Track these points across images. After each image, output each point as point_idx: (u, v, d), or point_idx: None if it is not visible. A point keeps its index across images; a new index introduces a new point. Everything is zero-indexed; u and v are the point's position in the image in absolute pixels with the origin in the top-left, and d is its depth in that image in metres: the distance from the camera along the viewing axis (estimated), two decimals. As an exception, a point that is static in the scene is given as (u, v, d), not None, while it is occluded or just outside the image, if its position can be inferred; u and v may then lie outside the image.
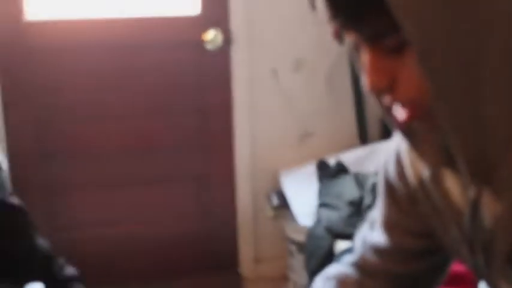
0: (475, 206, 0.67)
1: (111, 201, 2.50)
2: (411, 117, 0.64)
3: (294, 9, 2.41)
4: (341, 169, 2.29)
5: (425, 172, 0.76)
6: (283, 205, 2.34)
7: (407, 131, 0.69)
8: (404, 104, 0.63)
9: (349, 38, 0.65)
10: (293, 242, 2.24)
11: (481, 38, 0.57)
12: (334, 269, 0.93)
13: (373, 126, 2.53)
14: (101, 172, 2.46)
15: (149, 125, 2.47)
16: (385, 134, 2.47)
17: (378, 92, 0.64)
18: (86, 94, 2.39)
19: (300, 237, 2.15)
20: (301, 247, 2.16)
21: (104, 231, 2.52)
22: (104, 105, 2.41)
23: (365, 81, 0.64)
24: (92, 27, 2.36)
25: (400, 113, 0.64)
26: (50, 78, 2.35)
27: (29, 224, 1.53)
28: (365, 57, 0.64)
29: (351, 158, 2.33)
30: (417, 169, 0.78)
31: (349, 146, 2.48)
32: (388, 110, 0.67)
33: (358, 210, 2.07)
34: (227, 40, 2.41)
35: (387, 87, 0.63)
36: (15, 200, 1.53)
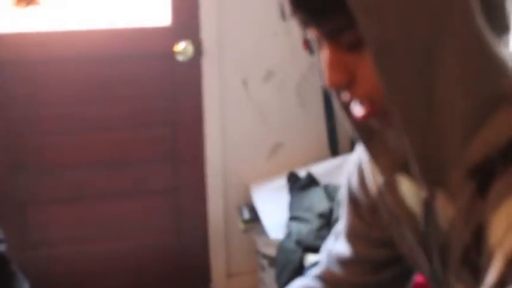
0: (429, 208, 0.67)
1: (80, 216, 2.46)
2: (368, 114, 0.64)
3: (264, 20, 2.42)
4: (311, 181, 2.29)
5: (381, 179, 0.77)
6: (254, 219, 2.33)
7: (364, 131, 0.70)
8: (362, 101, 0.64)
9: (311, 35, 0.66)
10: (264, 256, 2.23)
11: (436, 38, 0.57)
12: (299, 282, 0.93)
13: (343, 138, 2.53)
14: (67, 186, 2.43)
15: (120, 137, 2.44)
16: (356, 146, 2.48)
17: (337, 88, 0.65)
18: (57, 106, 2.36)
19: (271, 251, 2.14)
20: (272, 261, 2.15)
21: (73, 247, 2.48)
22: (74, 117, 2.39)
23: (324, 77, 0.64)
24: (63, 39, 2.34)
25: (357, 110, 0.65)
26: (20, 91, 2.33)
27: (13, 275, 1.43)
28: (325, 54, 0.64)
29: (322, 169, 2.33)
30: (376, 177, 0.79)
31: (320, 158, 2.48)
32: (346, 107, 0.67)
33: (328, 222, 2.07)
34: (198, 51, 2.40)
35: (346, 83, 0.63)
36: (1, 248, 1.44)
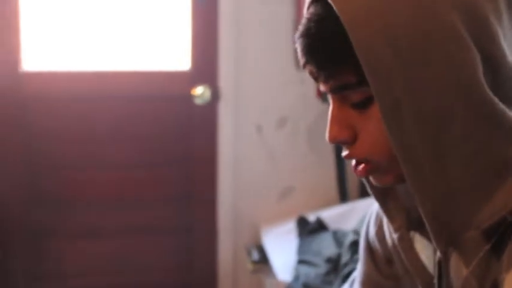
0: (442, 268, 0.67)
1: (93, 251, 2.50)
2: (365, 172, 0.65)
3: (279, 69, 2.50)
4: (320, 226, 2.31)
5: (395, 233, 0.77)
6: (263, 260, 2.35)
7: (377, 188, 0.71)
8: (359, 159, 0.65)
9: (321, 87, 0.67)
10: (272, 297, 2.24)
11: (445, 104, 0.58)
12: None
13: (353, 185, 2.58)
14: (83, 221, 2.48)
15: (135, 176, 2.50)
16: (365, 193, 2.52)
17: (336, 143, 0.66)
18: (76, 143, 2.43)
19: (279, 293, 2.16)
20: (279, 302, 2.16)
21: (85, 281, 2.51)
22: (93, 155, 2.45)
23: (327, 131, 0.66)
24: (86, 79, 2.42)
25: (357, 166, 0.66)
26: (42, 127, 2.40)
27: None
28: (331, 108, 0.66)
29: (331, 215, 2.35)
30: (391, 230, 0.79)
31: (329, 203, 2.52)
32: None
33: (335, 267, 2.08)
34: (215, 96, 2.47)
35: (346, 140, 0.65)
36: None
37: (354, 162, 0.68)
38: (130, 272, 2.55)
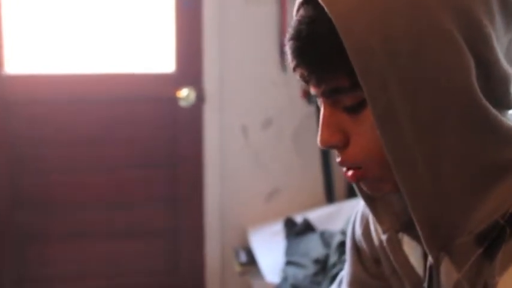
0: (434, 273, 0.67)
1: (78, 254, 2.50)
2: (356, 177, 0.65)
3: (264, 71, 2.50)
4: (308, 227, 2.32)
5: (383, 234, 0.76)
6: (251, 262, 2.35)
7: (363, 191, 0.70)
8: (351, 165, 0.64)
9: (311, 90, 0.65)
10: (260, 299, 2.24)
11: (439, 108, 0.58)
12: None
13: (339, 185, 2.59)
14: (68, 225, 2.47)
15: (121, 178, 2.49)
16: (351, 193, 2.53)
17: (328, 148, 0.65)
18: (60, 146, 2.42)
19: (267, 294, 2.16)
20: (267, 304, 2.16)
21: (70, 284, 2.50)
22: (77, 157, 2.44)
23: (318, 135, 0.65)
24: (70, 82, 2.41)
25: (348, 171, 0.65)
26: (26, 131, 2.39)
27: None
28: (322, 112, 0.65)
29: (318, 216, 2.36)
30: (378, 230, 0.78)
31: (315, 204, 2.53)
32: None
33: (323, 268, 2.08)
34: (200, 98, 2.47)
35: (338, 144, 0.64)
36: None
37: (343, 168, 0.67)
38: (117, 274, 2.54)
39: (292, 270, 2.09)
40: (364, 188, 0.68)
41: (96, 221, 2.49)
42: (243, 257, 2.39)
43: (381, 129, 0.59)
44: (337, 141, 0.64)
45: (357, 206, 0.87)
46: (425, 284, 0.68)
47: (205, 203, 2.54)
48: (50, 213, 2.44)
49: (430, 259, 0.65)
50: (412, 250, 0.73)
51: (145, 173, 2.51)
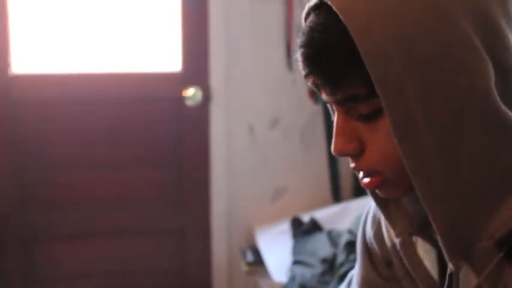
0: (454, 279, 0.65)
1: (85, 254, 2.50)
2: (373, 185, 0.64)
3: (271, 70, 2.50)
4: (315, 226, 2.32)
5: (396, 238, 0.76)
6: (258, 261, 2.35)
7: (375, 194, 0.69)
8: (367, 171, 0.63)
9: (324, 97, 0.64)
10: (267, 298, 2.24)
11: (458, 114, 0.58)
12: None
13: (346, 185, 2.58)
14: (74, 224, 2.47)
15: (128, 178, 2.49)
16: (358, 192, 2.52)
17: (342, 156, 0.64)
18: (67, 146, 2.42)
19: (274, 294, 2.15)
20: (275, 304, 2.16)
21: (77, 284, 2.50)
22: (83, 157, 2.44)
23: (332, 144, 0.64)
24: (76, 81, 2.41)
25: (364, 178, 0.64)
26: (32, 130, 2.39)
27: None
28: (336, 119, 0.63)
29: (325, 215, 2.36)
30: (390, 233, 0.77)
31: (322, 203, 2.52)
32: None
33: (331, 267, 2.08)
34: (206, 97, 2.47)
35: (353, 152, 0.63)
36: None
37: (361, 174, 0.65)
38: (123, 274, 2.54)
39: (300, 270, 2.09)
40: (381, 194, 0.67)
41: (102, 220, 2.49)
42: (250, 257, 2.39)
43: (399, 137, 0.58)
44: (352, 149, 0.63)
45: (365, 206, 0.86)
46: (440, 283, 0.68)
47: (211, 202, 2.54)
48: (57, 212, 2.45)
49: (450, 266, 0.64)
50: (426, 253, 0.72)
51: (151, 173, 2.51)
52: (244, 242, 2.54)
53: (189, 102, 2.46)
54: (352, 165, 0.64)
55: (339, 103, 0.62)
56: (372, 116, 0.61)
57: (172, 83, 2.48)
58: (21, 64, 2.38)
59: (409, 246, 0.73)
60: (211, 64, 2.46)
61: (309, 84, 0.65)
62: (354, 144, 0.62)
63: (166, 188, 2.54)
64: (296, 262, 2.16)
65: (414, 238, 0.73)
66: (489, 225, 0.60)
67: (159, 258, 2.56)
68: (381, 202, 0.71)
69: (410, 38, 0.56)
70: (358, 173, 0.65)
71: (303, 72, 0.63)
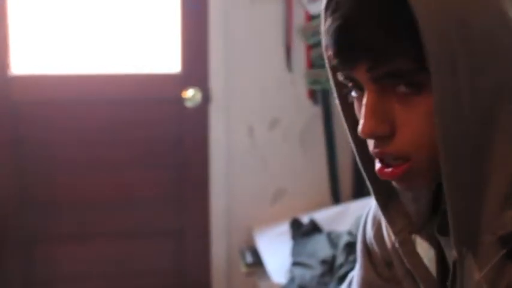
0: (457, 268, 0.65)
1: (86, 255, 2.50)
2: (397, 173, 0.61)
3: (270, 71, 2.50)
4: (314, 228, 2.32)
5: (395, 237, 0.75)
6: (257, 262, 2.35)
7: (381, 193, 0.69)
8: (397, 156, 0.60)
9: (356, 75, 0.60)
10: (266, 299, 2.24)
11: (497, 99, 0.57)
12: None
13: (345, 186, 2.58)
14: (73, 225, 2.47)
15: (128, 179, 2.50)
16: (357, 194, 2.52)
17: (371, 138, 0.60)
18: (67, 147, 2.42)
19: (273, 295, 2.15)
20: (274, 305, 2.16)
21: (78, 285, 2.51)
22: (84, 158, 2.44)
23: (360, 125, 0.60)
24: (76, 82, 2.42)
25: (384, 166, 0.61)
26: (32, 131, 2.39)
27: None
28: (367, 99, 0.59)
29: (324, 216, 2.36)
30: (390, 233, 0.76)
31: (321, 205, 2.52)
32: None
33: (330, 269, 2.08)
34: (206, 98, 2.47)
35: (384, 134, 0.59)
36: None
37: (377, 165, 0.62)
38: (123, 275, 2.54)
39: (299, 271, 2.09)
40: (398, 184, 0.64)
41: (102, 221, 2.49)
42: (249, 258, 2.39)
43: (441, 118, 0.55)
44: (383, 130, 0.59)
45: (365, 207, 0.85)
46: (449, 282, 0.67)
47: (211, 203, 2.54)
48: (57, 213, 2.45)
49: (454, 254, 0.63)
50: (425, 252, 0.72)
51: (151, 174, 2.51)
52: (243, 243, 2.54)
53: (188, 104, 2.46)
54: (376, 150, 0.61)
55: (377, 79, 0.58)
56: (410, 95, 0.58)
57: (172, 84, 2.48)
58: (20, 65, 2.38)
59: (409, 245, 0.72)
60: (210, 65, 2.46)
61: (331, 63, 0.60)
62: (385, 125, 0.59)
63: (166, 189, 2.54)
64: (295, 263, 2.16)
65: (413, 237, 0.72)
66: (498, 220, 0.59)
67: (159, 258, 2.56)
68: (382, 200, 0.71)
69: (467, 17, 0.55)
70: (382, 159, 0.62)
71: (334, 45, 0.58)
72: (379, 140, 0.60)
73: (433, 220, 0.72)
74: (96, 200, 2.48)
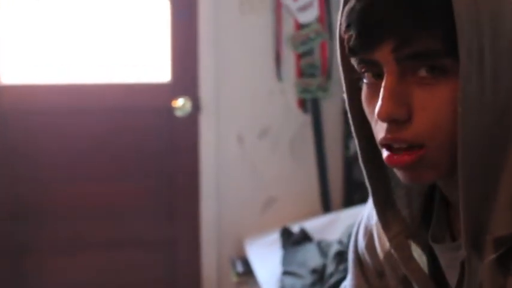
0: (465, 269, 0.64)
1: (75, 266, 2.48)
2: (408, 162, 0.59)
3: (260, 80, 2.50)
4: (304, 237, 2.32)
5: (388, 244, 0.74)
6: (248, 272, 2.34)
7: (379, 195, 0.68)
8: (405, 146, 0.59)
9: (378, 57, 0.58)
10: (257, 309, 2.23)
11: None
12: None
13: (335, 194, 2.58)
14: (62, 236, 2.46)
15: (116, 189, 2.49)
16: (348, 202, 2.53)
17: (389, 121, 0.59)
18: (56, 157, 2.42)
19: (264, 305, 2.15)
20: (264, 314, 2.15)
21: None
22: (73, 168, 2.44)
23: (378, 107, 0.58)
24: (66, 92, 2.42)
25: (392, 155, 0.60)
26: (21, 141, 2.39)
27: None
28: (387, 81, 0.58)
29: (314, 225, 2.36)
30: (383, 242, 0.76)
31: (312, 214, 2.52)
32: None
33: (321, 278, 2.08)
34: (196, 107, 2.47)
35: (401, 118, 0.58)
36: None
37: (385, 153, 0.61)
38: (113, 285, 2.53)
39: (290, 280, 2.09)
40: (405, 177, 0.62)
41: (92, 231, 2.47)
42: (240, 267, 2.38)
43: (465, 107, 0.55)
44: (401, 113, 0.57)
45: (355, 216, 0.86)
46: (455, 285, 0.67)
47: (201, 212, 2.54)
48: (47, 224, 2.43)
49: (463, 254, 0.62)
50: (419, 258, 0.71)
51: (141, 183, 2.51)
52: (234, 252, 2.53)
53: (178, 113, 2.46)
54: (389, 135, 0.59)
55: (402, 59, 0.57)
56: (431, 79, 0.57)
57: (162, 93, 2.48)
58: (10, 74, 2.37)
59: (405, 249, 0.71)
60: (200, 74, 2.46)
61: (350, 44, 0.59)
62: (403, 109, 0.57)
63: (155, 199, 2.53)
64: (286, 273, 2.15)
65: (409, 242, 0.72)
66: (499, 220, 0.59)
67: (149, 269, 2.55)
68: (379, 203, 0.70)
69: (499, 10, 0.56)
70: (391, 148, 0.60)
71: (358, 23, 0.57)
72: (394, 125, 0.59)
73: (426, 226, 0.72)
74: (86, 210, 2.46)
